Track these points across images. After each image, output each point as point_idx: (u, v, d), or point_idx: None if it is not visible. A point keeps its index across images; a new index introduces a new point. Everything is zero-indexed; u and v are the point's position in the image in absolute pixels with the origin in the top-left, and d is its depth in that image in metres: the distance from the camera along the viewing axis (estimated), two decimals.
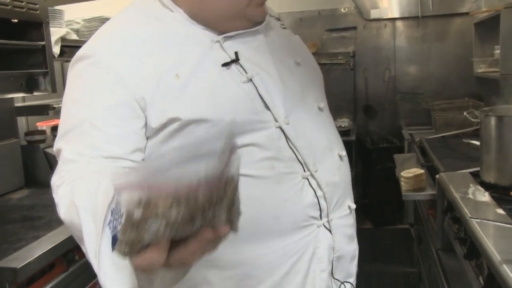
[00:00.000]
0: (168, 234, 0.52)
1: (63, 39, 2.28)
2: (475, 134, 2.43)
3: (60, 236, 1.53)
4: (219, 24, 0.97)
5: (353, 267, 1.09)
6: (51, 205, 1.84)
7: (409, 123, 3.75)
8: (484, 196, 1.54)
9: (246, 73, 0.96)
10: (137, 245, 0.52)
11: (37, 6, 1.96)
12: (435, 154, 2.36)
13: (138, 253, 0.53)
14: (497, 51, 2.56)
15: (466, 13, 3.35)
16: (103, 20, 2.51)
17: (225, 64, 0.95)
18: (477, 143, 2.02)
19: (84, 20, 2.61)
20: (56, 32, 2.21)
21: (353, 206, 1.08)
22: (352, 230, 1.08)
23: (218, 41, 0.96)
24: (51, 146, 2.25)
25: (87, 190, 0.74)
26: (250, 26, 1.00)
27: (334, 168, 1.04)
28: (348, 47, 3.92)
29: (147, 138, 0.91)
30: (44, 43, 2.00)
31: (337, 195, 1.02)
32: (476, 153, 1.93)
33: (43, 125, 2.44)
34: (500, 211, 1.39)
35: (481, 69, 2.94)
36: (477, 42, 3.08)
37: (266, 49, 1.02)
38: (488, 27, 2.73)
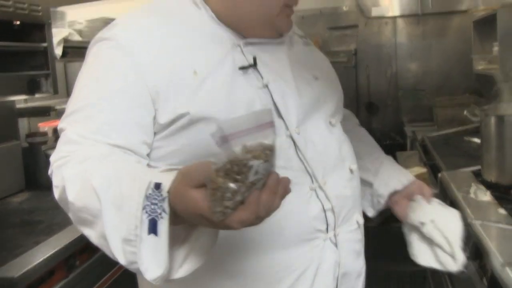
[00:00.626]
0: (264, 175, 0.62)
1: (65, 40, 2.28)
2: (477, 131, 2.44)
3: (61, 241, 1.51)
4: (246, 28, 0.98)
5: (359, 285, 1.06)
6: (52, 209, 1.81)
7: (411, 119, 3.75)
8: (486, 196, 1.55)
9: (262, 78, 0.96)
10: (241, 194, 0.61)
11: (39, 8, 1.96)
12: (437, 152, 2.37)
13: (235, 209, 0.62)
14: (496, 48, 2.56)
15: (465, 11, 3.36)
16: (106, 21, 2.51)
17: (243, 68, 0.95)
18: (478, 140, 2.02)
19: (87, 20, 2.60)
20: (58, 33, 2.21)
21: (362, 220, 1.07)
22: (359, 246, 1.07)
23: (239, 45, 0.96)
24: (52, 148, 2.23)
25: (106, 175, 0.76)
26: (275, 35, 1.01)
27: (344, 180, 1.03)
28: (350, 45, 3.92)
29: (155, 134, 0.90)
30: (46, 44, 2.00)
31: (346, 208, 1.01)
32: (478, 151, 1.94)
33: (45, 125, 2.44)
34: (502, 211, 1.40)
35: (480, 66, 2.94)
36: (476, 40, 3.08)
37: (286, 60, 1.02)
38: (487, 25, 2.73)
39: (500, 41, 2.48)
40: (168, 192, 0.68)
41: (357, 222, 1.05)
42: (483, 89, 3.14)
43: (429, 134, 2.86)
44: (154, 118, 0.89)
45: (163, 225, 0.68)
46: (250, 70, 0.95)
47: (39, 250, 1.44)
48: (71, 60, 2.59)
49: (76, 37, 2.39)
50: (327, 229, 0.97)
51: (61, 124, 0.90)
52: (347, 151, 1.07)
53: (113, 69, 0.89)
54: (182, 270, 0.72)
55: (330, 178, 0.98)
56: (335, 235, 0.99)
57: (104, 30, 0.94)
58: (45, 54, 2.01)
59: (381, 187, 1.19)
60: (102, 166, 0.78)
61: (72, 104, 0.90)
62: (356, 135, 1.24)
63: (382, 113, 3.97)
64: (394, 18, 3.83)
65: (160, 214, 0.68)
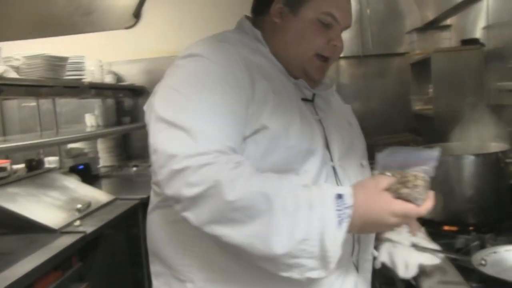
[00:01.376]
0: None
1: (0, 77, 2.20)
2: None
3: None
4: (289, 68, 1.14)
5: None
6: None
7: None
8: (420, 232, 1.58)
9: (317, 114, 1.14)
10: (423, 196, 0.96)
11: None
12: None
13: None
14: (431, 90, 2.69)
15: (403, 54, 3.52)
16: (46, 58, 2.44)
17: (304, 100, 1.13)
18: None
19: (25, 57, 2.52)
20: None
21: (376, 253, 1.13)
22: (369, 277, 1.19)
23: (296, 83, 1.14)
24: None
25: (269, 182, 0.88)
26: (309, 82, 1.16)
27: None
28: None
29: None
30: None
31: (367, 239, 1.16)
32: None
33: None
34: (435, 246, 1.43)
35: (418, 106, 3.07)
36: (413, 81, 3.24)
37: (330, 104, 1.21)
38: (422, 67, 2.88)
39: (433, 83, 2.62)
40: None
41: (372, 254, 1.14)
42: (421, 128, 3.28)
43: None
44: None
45: (345, 227, 0.87)
46: (309, 104, 1.14)
47: None
48: (7, 98, 2.50)
49: (13, 74, 2.30)
50: (352, 252, 1.11)
51: (173, 118, 0.93)
52: None
53: (213, 81, 0.98)
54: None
55: None
56: (357, 260, 1.13)
57: (188, 49, 1.04)
58: None
59: None
60: (260, 174, 0.89)
61: (181, 105, 0.95)
62: None
63: None
64: (337, 59, 3.96)
65: (343, 219, 0.86)
